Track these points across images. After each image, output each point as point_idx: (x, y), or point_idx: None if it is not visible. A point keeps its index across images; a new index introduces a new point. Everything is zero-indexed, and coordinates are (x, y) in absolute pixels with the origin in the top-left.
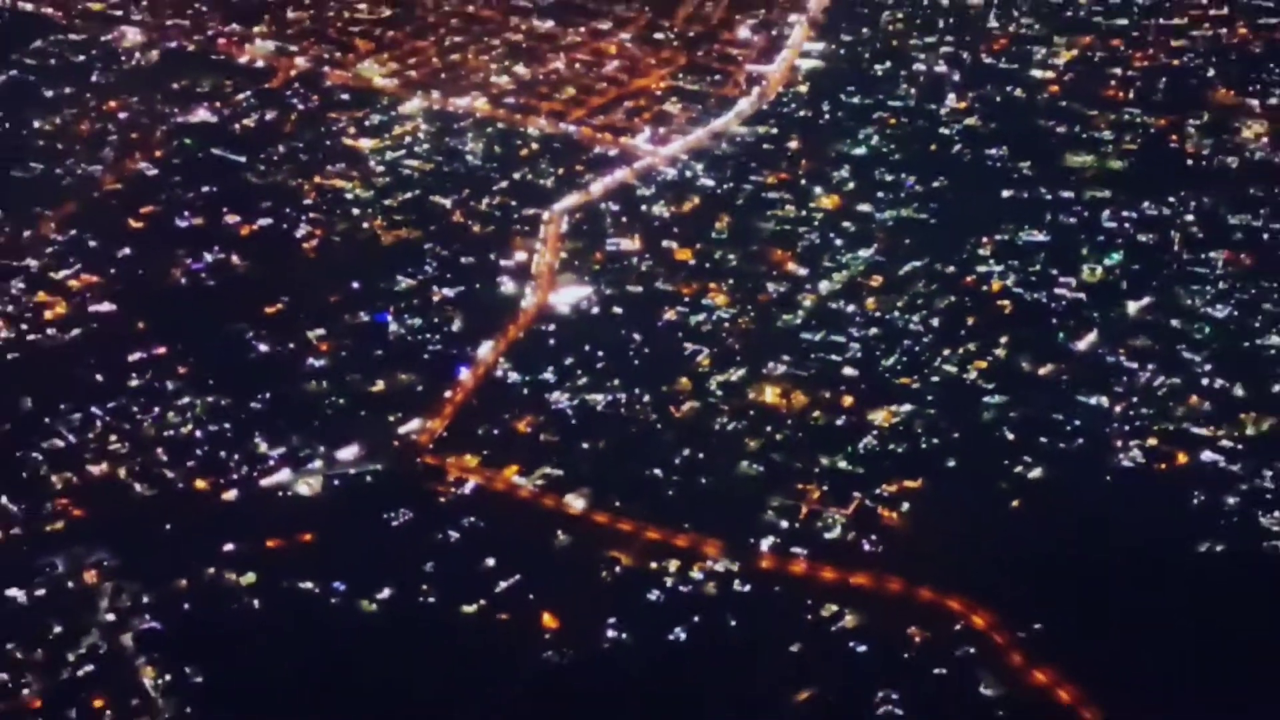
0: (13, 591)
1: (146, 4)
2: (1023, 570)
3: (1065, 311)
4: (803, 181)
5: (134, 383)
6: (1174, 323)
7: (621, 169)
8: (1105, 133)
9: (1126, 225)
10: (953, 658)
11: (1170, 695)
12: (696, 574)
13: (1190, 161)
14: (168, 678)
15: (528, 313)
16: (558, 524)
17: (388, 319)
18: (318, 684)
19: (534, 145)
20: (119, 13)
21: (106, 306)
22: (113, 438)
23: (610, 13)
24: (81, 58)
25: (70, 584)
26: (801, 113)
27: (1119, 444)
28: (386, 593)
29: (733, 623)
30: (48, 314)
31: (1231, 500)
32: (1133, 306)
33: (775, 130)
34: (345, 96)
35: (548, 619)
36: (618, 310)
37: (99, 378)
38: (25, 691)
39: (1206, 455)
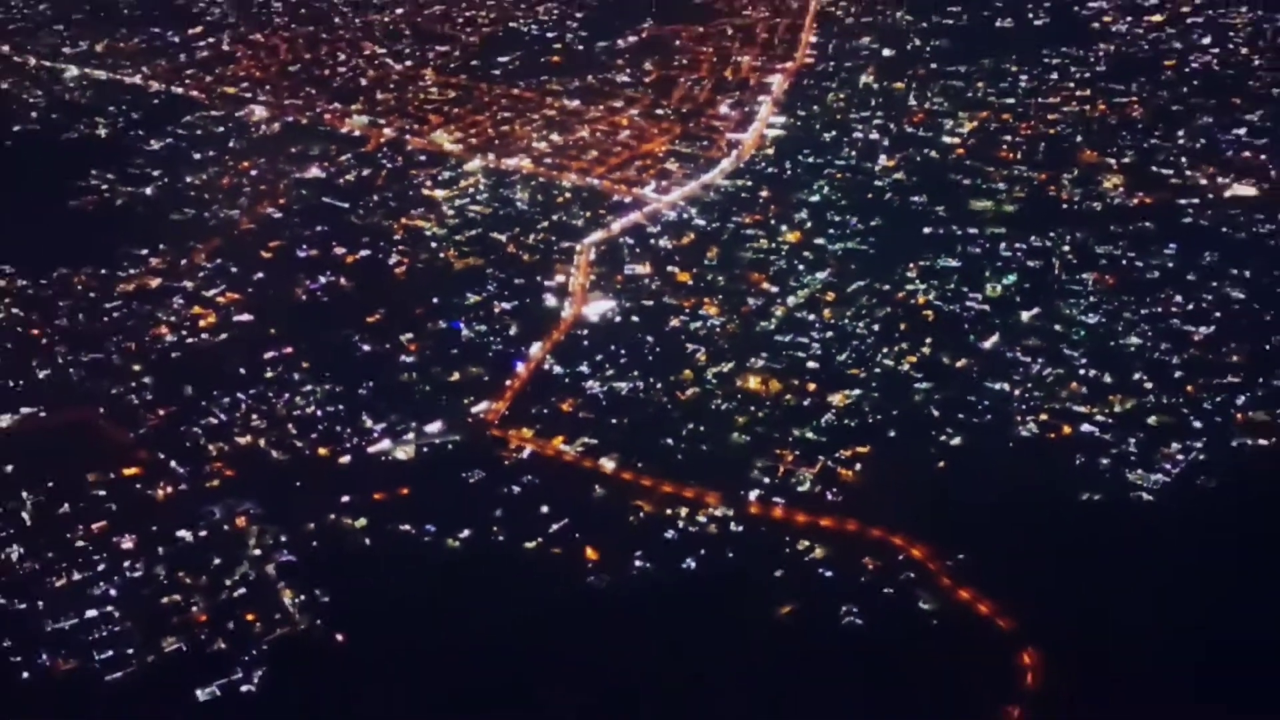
0: (182, 533)
1: (269, 88)
2: (948, 514)
3: (974, 319)
4: (772, 221)
5: (269, 374)
6: (1056, 327)
7: (634, 212)
8: (1000, 184)
9: (1018, 254)
10: (897, 581)
11: (1062, 606)
12: (701, 518)
13: (1064, 206)
14: (302, 598)
15: (566, 321)
16: (595, 480)
17: (460, 326)
18: (415, 602)
19: (567, 194)
20: (249, 94)
21: (246, 317)
22: (254, 417)
23: (622, 94)
24: (221, 129)
25: (225, 527)
26: (769, 169)
27: (1018, 419)
28: (465, 533)
29: (729, 554)
30: (201, 323)
31: (1104, 461)
32: (1025, 315)
33: (750, 183)
34: (422, 158)
35: (589, 552)
36: (635, 319)
37: (242, 371)
38: (194, 609)
39: (1085, 428)
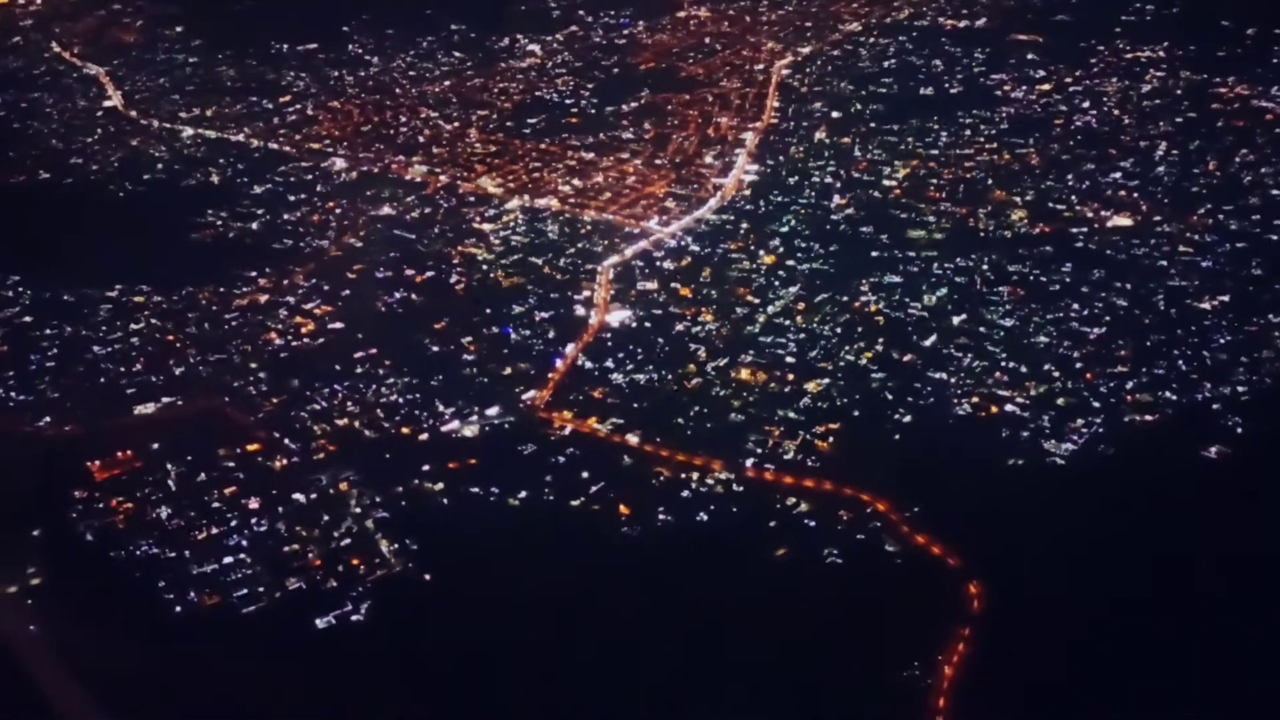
0: (296, 495)
1: (346, 144)
2: (904, 476)
3: (915, 323)
4: (751, 247)
5: (358, 370)
6: (980, 329)
7: (642, 241)
8: (930, 218)
9: (947, 272)
10: (867, 529)
11: (998, 547)
12: (709, 481)
13: (981, 234)
14: (395, 546)
15: (593, 327)
16: (623, 452)
17: (509, 331)
18: (486, 549)
19: (589, 227)
20: (330, 149)
21: (338, 325)
22: (349, 404)
23: (627, 148)
24: (309, 177)
25: (331, 491)
26: (747, 207)
27: (955, 401)
28: (523, 494)
29: (733, 509)
30: (303, 330)
31: (1024, 434)
32: (955, 320)
33: (732, 218)
34: (471, 199)
35: (623, 509)
36: (647, 325)
37: (337, 367)
38: (310, 555)
39: (1008, 408)
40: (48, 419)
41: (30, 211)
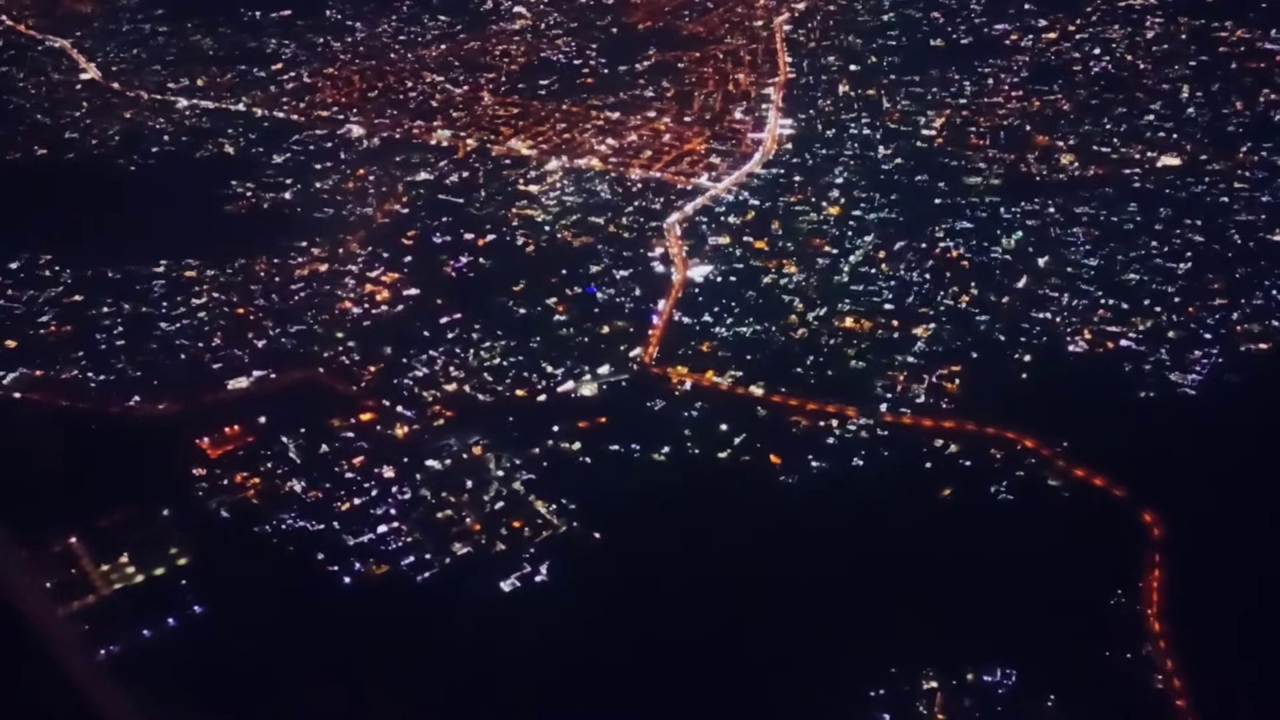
0: (430, 462)
1: (356, 110)
2: (1040, 413)
3: (1002, 266)
4: (813, 199)
5: (450, 336)
6: (1068, 269)
7: (698, 197)
8: (981, 164)
9: (1016, 216)
10: (1025, 465)
11: (1159, 476)
12: (851, 427)
13: (1037, 179)
14: (553, 506)
15: (678, 282)
16: (753, 403)
17: (595, 291)
18: (646, 503)
19: (638, 186)
20: (341, 117)
21: (413, 291)
22: (451, 369)
23: (652, 106)
24: (329, 145)
25: (465, 456)
26: (794, 160)
27: (1068, 339)
28: (666, 449)
29: (885, 453)
30: (378, 297)
31: (1146, 366)
32: (1040, 261)
33: (783, 171)
34: (507, 161)
35: (773, 458)
36: (732, 279)
37: (426, 333)
38: (467, 520)
39: (1123, 343)
40: (136, 398)
41: (37, 189)
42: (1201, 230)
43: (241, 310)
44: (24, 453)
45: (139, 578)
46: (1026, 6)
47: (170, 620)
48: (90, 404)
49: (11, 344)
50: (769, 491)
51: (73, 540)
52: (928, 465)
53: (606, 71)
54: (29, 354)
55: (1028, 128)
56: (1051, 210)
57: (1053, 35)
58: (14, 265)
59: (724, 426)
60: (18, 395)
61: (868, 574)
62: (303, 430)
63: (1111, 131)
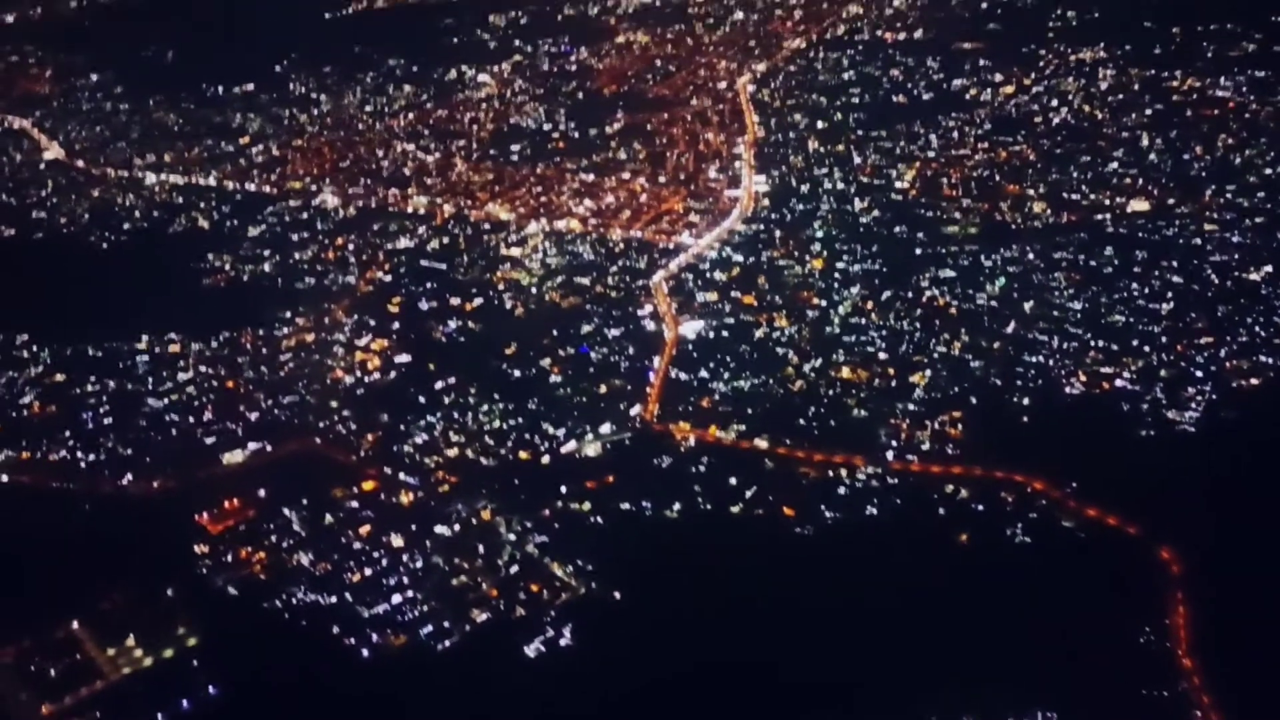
0: (439, 529)
1: (329, 181)
2: (1045, 455)
3: (989, 313)
4: (795, 253)
5: (446, 400)
6: (1054, 314)
7: (681, 254)
8: (956, 214)
9: (997, 262)
10: (1036, 507)
11: (1169, 512)
12: (860, 476)
13: (1012, 226)
14: (569, 568)
15: (671, 339)
16: (759, 456)
17: (588, 350)
18: (664, 560)
19: (620, 245)
20: (314, 187)
21: (405, 357)
22: (450, 433)
23: (625, 168)
24: (304, 215)
25: (474, 521)
26: (773, 216)
27: (1063, 381)
28: (677, 505)
29: (897, 500)
30: (369, 365)
31: (1143, 406)
32: (1026, 306)
33: (762, 227)
34: (487, 226)
35: (786, 510)
36: (724, 334)
37: (421, 399)
38: (483, 586)
39: (1118, 383)
40: (129, 477)
41: (6, 270)
42: (1179, 271)
43: (231, 383)
44: (15, 537)
45: (148, 661)
46: (981, 62)
47: (185, 703)
48: (82, 484)
49: None
50: (786, 544)
51: (74, 625)
52: (941, 511)
53: (577, 135)
54: (13, 435)
55: (997, 177)
56: (1031, 256)
57: (1009, 89)
58: None
59: (733, 480)
60: (4, 478)
61: (897, 623)
62: (305, 501)
63: (1079, 179)
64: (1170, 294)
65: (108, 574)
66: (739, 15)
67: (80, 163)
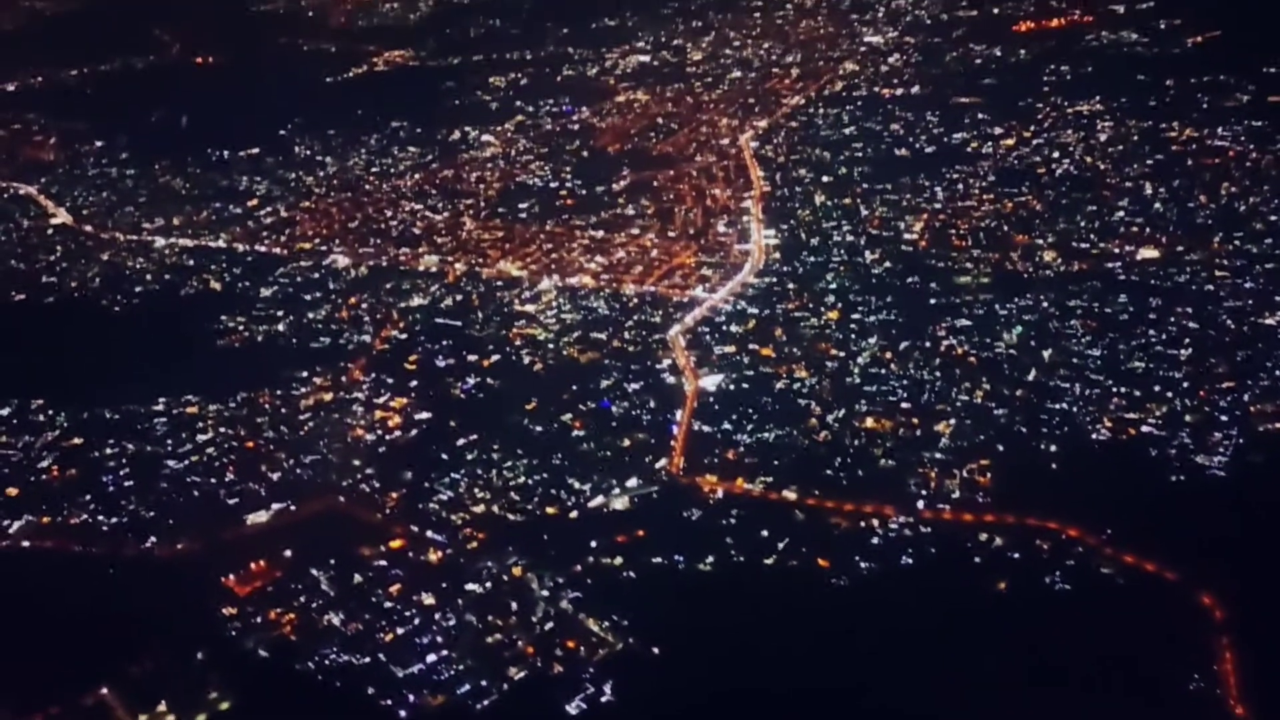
0: (470, 586)
1: (339, 241)
2: (1078, 502)
3: (1008, 361)
4: (809, 305)
5: (469, 457)
6: (1074, 360)
7: (696, 308)
8: (967, 264)
9: (1012, 312)
10: (1074, 554)
11: (1207, 557)
12: (893, 526)
13: (1024, 276)
14: (606, 624)
15: (691, 393)
16: (789, 508)
17: (610, 405)
18: (702, 615)
19: (634, 300)
20: (324, 248)
21: (425, 415)
22: (476, 490)
23: (635, 224)
24: (316, 275)
25: (505, 578)
26: (785, 269)
27: (1089, 428)
28: (710, 558)
29: (931, 550)
30: (390, 423)
31: (1171, 451)
32: (1045, 354)
33: (775, 280)
34: (499, 283)
35: (821, 561)
36: (745, 386)
37: (444, 456)
38: (519, 644)
39: (1144, 429)
40: (153, 539)
41: (18, 334)
42: (1194, 317)
43: (251, 444)
44: (40, 604)
45: None
46: (981, 116)
47: None
48: (105, 547)
49: (13, 491)
50: (822, 596)
51: (104, 691)
52: (977, 560)
53: (584, 192)
54: (33, 500)
55: (1005, 228)
56: (1045, 305)
57: (1010, 141)
58: (5, 411)
59: (764, 532)
60: (26, 544)
61: (940, 674)
62: (332, 561)
63: (1086, 228)
64: (1188, 340)
65: (136, 638)
66: (736, 74)
67: (88, 227)
